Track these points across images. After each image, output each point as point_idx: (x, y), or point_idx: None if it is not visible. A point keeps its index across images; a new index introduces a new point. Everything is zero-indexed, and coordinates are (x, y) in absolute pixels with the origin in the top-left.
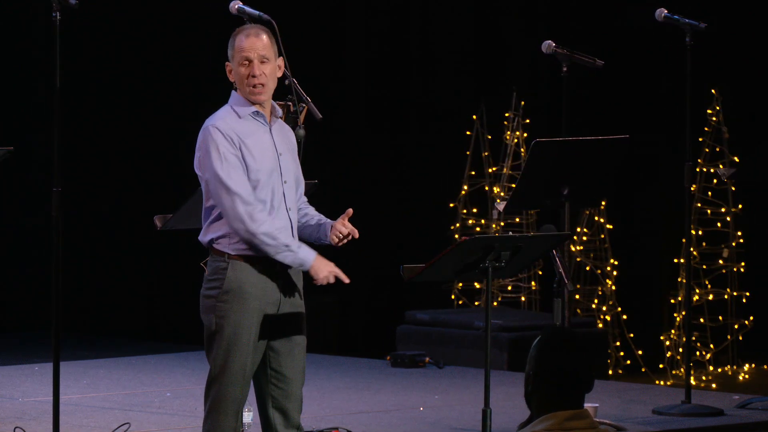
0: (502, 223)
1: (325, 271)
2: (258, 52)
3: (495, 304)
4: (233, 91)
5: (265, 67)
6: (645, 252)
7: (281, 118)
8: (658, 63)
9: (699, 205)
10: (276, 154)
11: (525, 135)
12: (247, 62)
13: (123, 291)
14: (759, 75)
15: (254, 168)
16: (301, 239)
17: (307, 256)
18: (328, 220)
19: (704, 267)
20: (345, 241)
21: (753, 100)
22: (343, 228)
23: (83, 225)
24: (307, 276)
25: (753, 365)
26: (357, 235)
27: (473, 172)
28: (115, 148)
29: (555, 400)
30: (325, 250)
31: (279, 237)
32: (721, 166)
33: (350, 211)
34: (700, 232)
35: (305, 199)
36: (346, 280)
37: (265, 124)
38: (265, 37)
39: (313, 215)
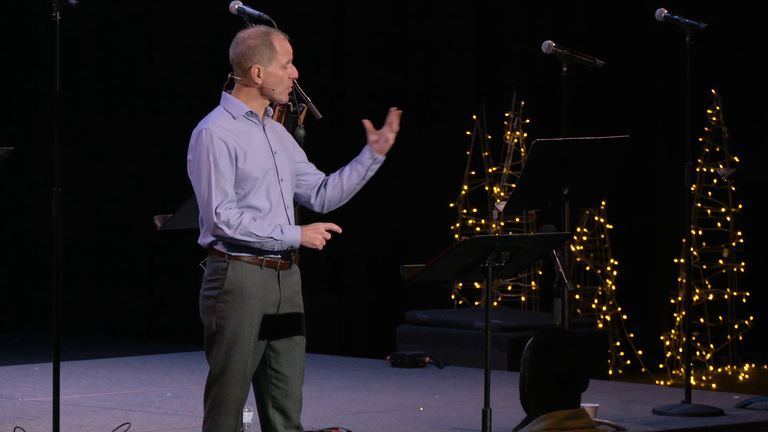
0: (502, 223)
1: (318, 237)
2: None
3: (495, 304)
4: (224, 93)
5: None
6: (645, 252)
7: (276, 116)
8: (658, 63)
9: (699, 205)
10: (271, 153)
11: (525, 135)
12: (288, 64)
13: (123, 291)
14: (759, 75)
15: (250, 168)
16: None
17: (293, 236)
18: (358, 157)
19: (704, 267)
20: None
21: (753, 100)
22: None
23: (83, 225)
24: (305, 277)
25: (753, 365)
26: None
27: (473, 172)
28: (115, 148)
29: (551, 400)
30: (321, 253)
31: (259, 231)
32: (721, 166)
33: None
34: (700, 232)
35: (321, 173)
36: (339, 230)
37: (258, 124)
38: None
39: (338, 172)
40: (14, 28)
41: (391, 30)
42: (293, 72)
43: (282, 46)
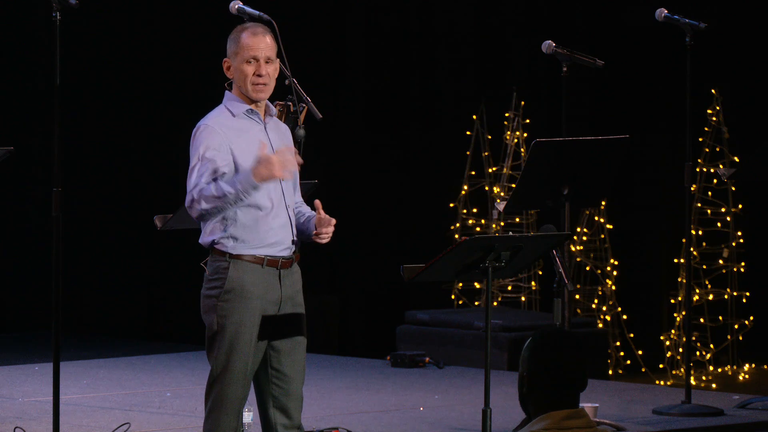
0: (502, 223)
1: (274, 166)
2: (264, 52)
3: (495, 304)
4: (227, 91)
5: (269, 68)
6: (645, 252)
7: (277, 116)
8: (658, 63)
9: (699, 205)
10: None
11: (525, 135)
12: (253, 60)
13: (123, 291)
14: (759, 75)
15: (247, 167)
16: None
17: (248, 180)
18: (312, 213)
19: (704, 267)
20: (326, 233)
21: (753, 100)
22: (323, 222)
23: (83, 225)
24: (305, 276)
25: (753, 365)
26: (332, 222)
27: (473, 172)
28: (115, 148)
29: (551, 400)
30: (325, 250)
31: (217, 192)
32: (721, 166)
33: (317, 202)
34: (700, 232)
35: (301, 199)
36: (300, 161)
37: (259, 122)
38: (269, 38)
39: (304, 212)
40: (14, 28)
41: (391, 29)
42: (260, 69)
43: (249, 41)
